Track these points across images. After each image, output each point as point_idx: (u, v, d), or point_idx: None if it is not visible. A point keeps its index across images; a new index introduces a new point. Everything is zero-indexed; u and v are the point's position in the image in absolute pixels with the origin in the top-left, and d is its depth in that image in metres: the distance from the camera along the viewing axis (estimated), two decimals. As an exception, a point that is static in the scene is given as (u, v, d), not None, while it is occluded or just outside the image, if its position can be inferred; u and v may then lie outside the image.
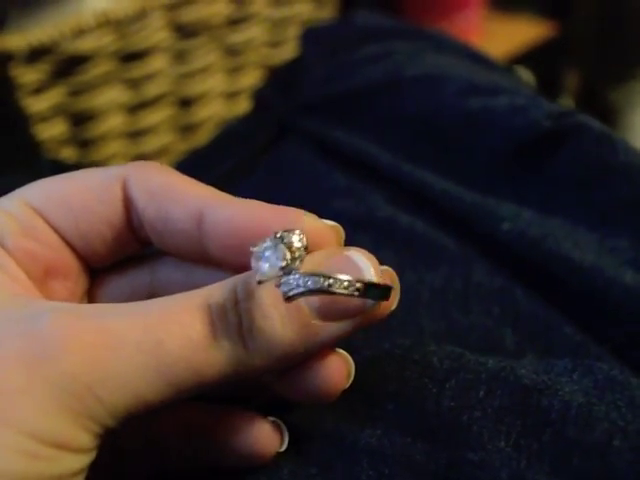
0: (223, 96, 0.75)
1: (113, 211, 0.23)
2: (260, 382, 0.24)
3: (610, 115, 1.08)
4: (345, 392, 0.26)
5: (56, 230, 0.23)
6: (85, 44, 0.60)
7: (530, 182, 0.37)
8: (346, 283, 0.19)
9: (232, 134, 0.51)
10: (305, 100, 0.47)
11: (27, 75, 0.59)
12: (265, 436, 0.24)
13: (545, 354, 0.30)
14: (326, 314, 0.20)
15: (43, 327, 0.19)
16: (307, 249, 0.20)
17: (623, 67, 1.11)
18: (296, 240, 0.20)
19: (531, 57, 0.97)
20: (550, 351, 0.31)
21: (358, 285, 0.20)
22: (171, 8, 0.65)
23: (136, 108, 0.68)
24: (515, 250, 0.34)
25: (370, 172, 0.40)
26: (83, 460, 0.20)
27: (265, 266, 0.20)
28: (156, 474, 0.26)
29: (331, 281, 0.19)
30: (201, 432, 0.24)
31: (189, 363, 0.19)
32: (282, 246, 0.20)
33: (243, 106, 0.75)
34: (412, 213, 0.37)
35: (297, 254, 0.20)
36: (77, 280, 0.25)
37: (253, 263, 0.20)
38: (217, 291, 0.21)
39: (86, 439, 0.19)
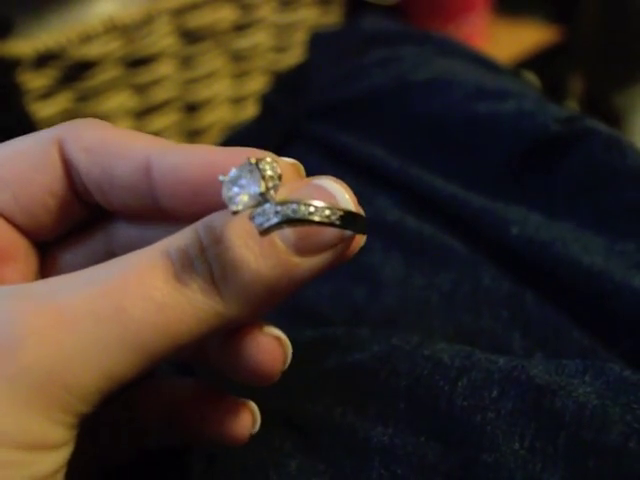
0: (229, 101, 0.75)
1: (53, 178, 0.21)
2: (203, 360, 0.22)
3: (614, 119, 1.08)
4: (356, 387, 0.26)
5: None
6: (92, 50, 0.61)
7: (538, 186, 0.37)
8: (328, 212, 0.17)
9: (239, 139, 0.51)
10: (313, 105, 0.47)
11: (34, 81, 0.59)
12: (235, 417, 0.22)
13: (554, 358, 0.30)
14: (304, 249, 0.18)
15: None
16: (281, 178, 0.18)
17: (627, 71, 1.11)
18: (269, 168, 0.18)
19: (536, 61, 0.97)
20: (559, 356, 0.31)
21: (340, 213, 0.18)
22: (177, 14, 0.65)
23: (143, 113, 0.68)
24: (524, 254, 0.34)
25: (378, 176, 0.40)
26: (61, 455, 0.18)
27: (241, 194, 0.18)
28: (137, 456, 0.25)
29: (312, 209, 0.17)
30: (178, 409, 0.23)
31: (157, 326, 0.17)
32: (258, 172, 0.18)
33: (249, 111, 0.75)
34: (421, 217, 0.37)
35: (271, 183, 0.18)
36: (27, 260, 0.22)
37: (225, 193, 0.18)
38: (177, 241, 0.19)
39: (60, 433, 0.17)
